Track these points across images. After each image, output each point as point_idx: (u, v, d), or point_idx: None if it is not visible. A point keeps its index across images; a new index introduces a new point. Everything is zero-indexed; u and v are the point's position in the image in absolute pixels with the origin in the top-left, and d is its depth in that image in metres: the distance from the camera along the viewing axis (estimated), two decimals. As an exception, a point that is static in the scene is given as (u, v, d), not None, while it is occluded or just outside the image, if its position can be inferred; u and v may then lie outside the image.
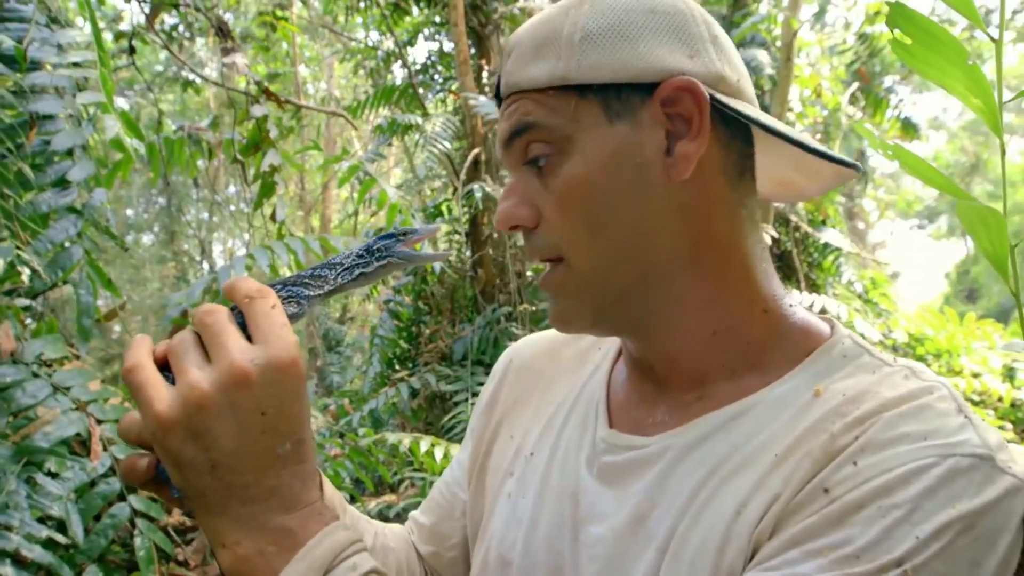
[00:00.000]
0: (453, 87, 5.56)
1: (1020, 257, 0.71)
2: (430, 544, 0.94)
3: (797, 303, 0.76)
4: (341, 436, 3.31)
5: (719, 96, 0.68)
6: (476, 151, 4.57)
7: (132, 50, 3.18)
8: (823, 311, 4.26)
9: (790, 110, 5.40)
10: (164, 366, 0.60)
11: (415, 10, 5.83)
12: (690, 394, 0.72)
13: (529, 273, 4.60)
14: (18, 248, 1.68)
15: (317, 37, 11.10)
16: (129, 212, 12.78)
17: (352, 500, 3.11)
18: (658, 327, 0.72)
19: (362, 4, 6.00)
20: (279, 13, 6.23)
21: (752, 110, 0.71)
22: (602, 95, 0.68)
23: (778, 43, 5.44)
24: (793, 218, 5.46)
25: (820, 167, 0.76)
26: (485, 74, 5.11)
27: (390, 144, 5.46)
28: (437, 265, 3.85)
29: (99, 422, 1.82)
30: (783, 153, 0.76)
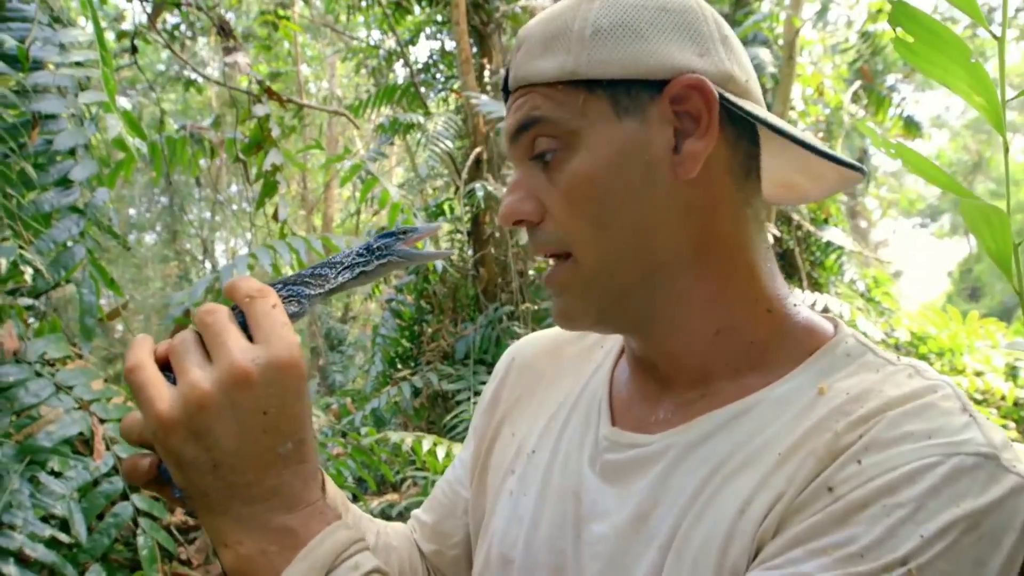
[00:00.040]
0: (455, 86, 5.56)
1: (1024, 255, 0.71)
2: (432, 542, 0.95)
3: (801, 302, 0.75)
4: (343, 435, 3.31)
5: (728, 95, 0.68)
6: (478, 150, 4.58)
7: (134, 49, 3.18)
8: (825, 310, 4.25)
9: (792, 108, 5.40)
10: (166, 366, 0.60)
11: (417, 9, 5.83)
12: (693, 392, 0.72)
13: (531, 272, 4.60)
14: (21, 247, 1.68)
15: (319, 36, 11.10)
16: (131, 211, 12.80)
17: (355, 499, 3.11)
18: (662, 325, 0.72)
19: (364, 3, 6.00)
20: (281, 12, 6.23)
21: (760, 110, 0.71)
22: (611, 91, 0.68)
23: (780, 41, 5.43)
24: (795, 217, 5.45)
25: (824, 170, 0.76)
26: (487, 73, 5.11)
27: (392, 143, 5.47)
28: (439, 264, 3.85)
29: (102, 421, 1.82)
30: (787, 155, 0.76)
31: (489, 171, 4.59)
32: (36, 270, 1.69)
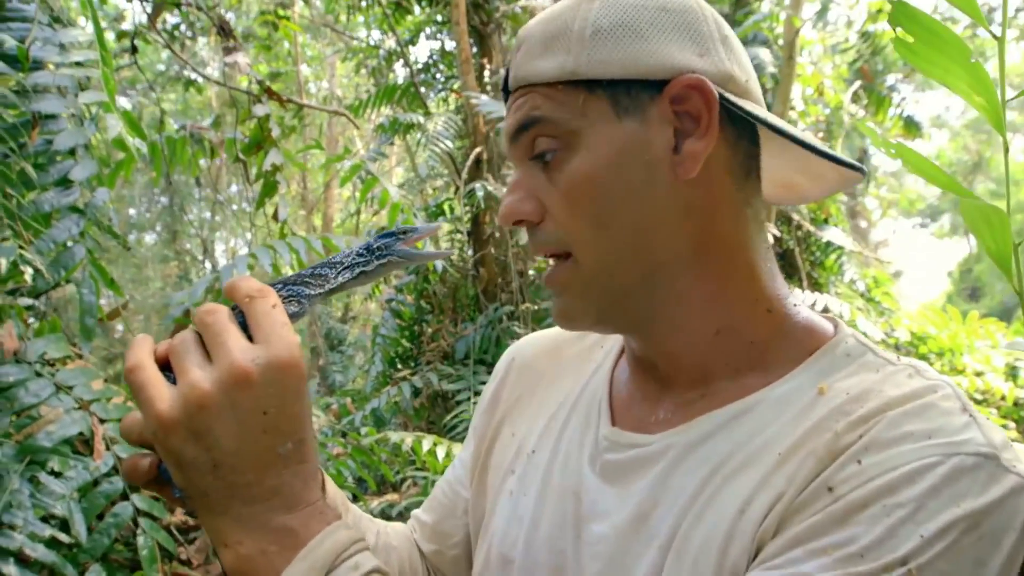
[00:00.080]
0: (455, 86, 5.56)
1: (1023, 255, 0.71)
2: (432, 542, 0.95)
3: (801, 303, 0.75)
4: (343, 435, 3.31)
5: (728, 95, 0.68)
6: (478, 150, 4.58)
7: (134, 49, 3.18)
8: (825, 310, 4.25)
9: (792, 108, 5.40)
10: (166, 366, 0.60)
11: (417, 9, 5.83)
12: (693, 392, 0.72)
13: (531, 272, 4.60)
14: (21, 247, 1.68)
15: (319, 36, 11.10)
16: (131, 211, 12.80)
17: (354, 499, 3.11)
18: (662, 325, 0.72)
19: (364, 3, 6.00)
20: (281, 12, 6.23)
21: (760, 110, 0.71)
22: (611, 91, 0.68)
23: (780, 41, 5.43)
24: (795, 217, 5.45)
25: (824, 170, 0.76)
26: (487, 73, 5.12)
27: (392, 143, 5.47)
28: (439, 264, 3.85)
29: (102, 421, 1.82)
30: (787, 155, 0.76)
31: (489, 171, 4.59)
32: (36, 270, 1.69)
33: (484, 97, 4.27)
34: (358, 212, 6.03)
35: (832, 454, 0.60)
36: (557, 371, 0.88)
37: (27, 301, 1.96)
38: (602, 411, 0.78)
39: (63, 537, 1.64)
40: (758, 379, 0.70)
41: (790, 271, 5.42)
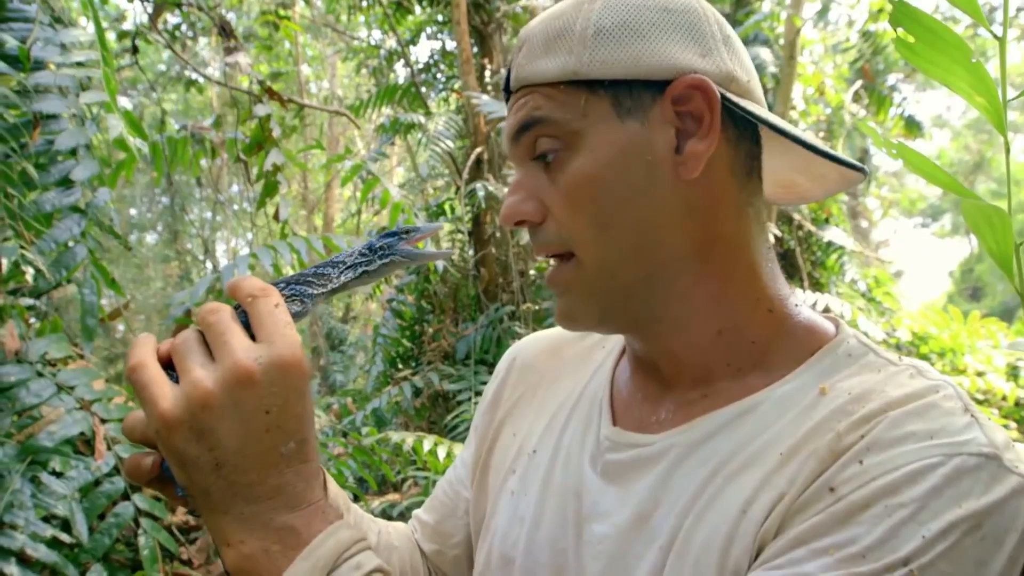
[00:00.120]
0: (456, 86, 5.56)
1: (1025, 255, 0.71)
2: (433, 542, 0.95)
3: (802, 303, 0.75)
4: (344, 435, 3.31)
5: (729, 95, 0.68)
6: (479, 150, 4.58)
7: (135, 49, 3.19)
8: (826, 310, 4.25)
9: (793, 108, 5.39)
10: (168, 365, 0.60)
11: (417, 9, 5.83)
12: (694, 392, 0.72)
13: (532, 272, 4.60)
14: (22, 247, 1.68)
15: (320, 36, 11.10)
16: (132, 211, 12.81)
17: (356, 499, 3.11)
18: (663, 325, 0.72)
19: (364, 3, 6.00)
20: (282, 12, 6.23)
21: (762, 111, 0.71)
22: (613, 91, 0.68)
23: (781, 41, 5.43)
24: (796, 216, 5.45)
25: (825, 170, 0.76)
26: (488, 73, 5.12)
27: (393, 143, 5.47)
28: (440, 264, 3.85)
29: (103, 421, 1.82)
30: (788, 155, 0.76)
31: (490, 171, 4.59)
32: (37, 270, 1.69)
33: (485, 97, 4.27)
34: (359, 212, 6.03)
35: (834, 454, 0.60)
36: (558, 371, 0.88)
37: (28, 301, 1.97)
38: (603, 411, 0.78)
39: (64, 537, 1.64)
40: (760, 379, 0.70)
41: (791, 271, 5.42)
